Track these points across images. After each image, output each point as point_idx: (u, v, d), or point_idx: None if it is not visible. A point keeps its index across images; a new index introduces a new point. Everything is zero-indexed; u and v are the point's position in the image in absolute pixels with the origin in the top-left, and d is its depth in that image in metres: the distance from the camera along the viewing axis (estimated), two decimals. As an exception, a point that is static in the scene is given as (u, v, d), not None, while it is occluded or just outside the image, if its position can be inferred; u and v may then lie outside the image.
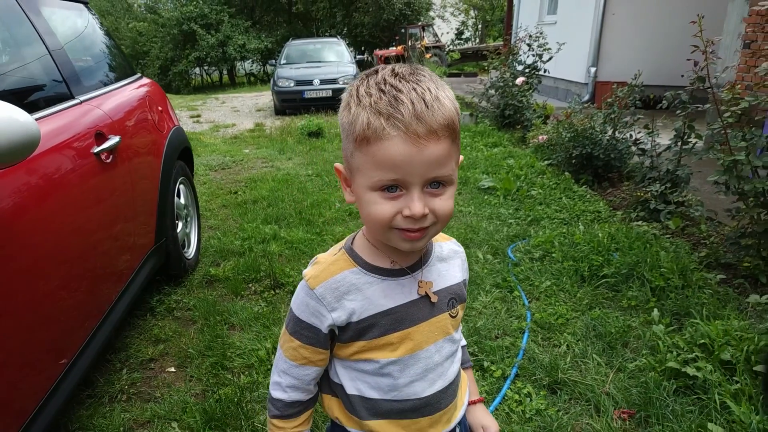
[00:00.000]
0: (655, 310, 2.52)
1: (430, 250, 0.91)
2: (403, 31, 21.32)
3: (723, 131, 3.00)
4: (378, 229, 0.78)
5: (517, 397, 2.01)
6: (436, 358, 0.88)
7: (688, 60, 3.35)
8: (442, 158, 0.73)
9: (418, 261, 0.87)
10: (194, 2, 22.16)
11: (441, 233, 0.90)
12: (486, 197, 4.48)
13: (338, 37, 14.43)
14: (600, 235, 3.30)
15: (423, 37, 20.38)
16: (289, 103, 10.62)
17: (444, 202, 0.76)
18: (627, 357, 2.23)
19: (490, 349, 2.30)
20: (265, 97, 14.05)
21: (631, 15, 8.68)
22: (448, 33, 27.81)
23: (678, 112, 3.70)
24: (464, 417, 0.98)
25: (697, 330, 2.23)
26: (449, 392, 0.91)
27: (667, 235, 3.40)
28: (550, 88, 10.83)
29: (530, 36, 7.53)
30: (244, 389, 2.09)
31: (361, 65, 15.03)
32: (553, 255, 3.21)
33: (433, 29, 22.79)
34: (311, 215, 4.14)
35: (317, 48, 12.69)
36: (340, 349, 0.87)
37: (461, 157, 0.81)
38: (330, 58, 12.03)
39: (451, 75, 16.65)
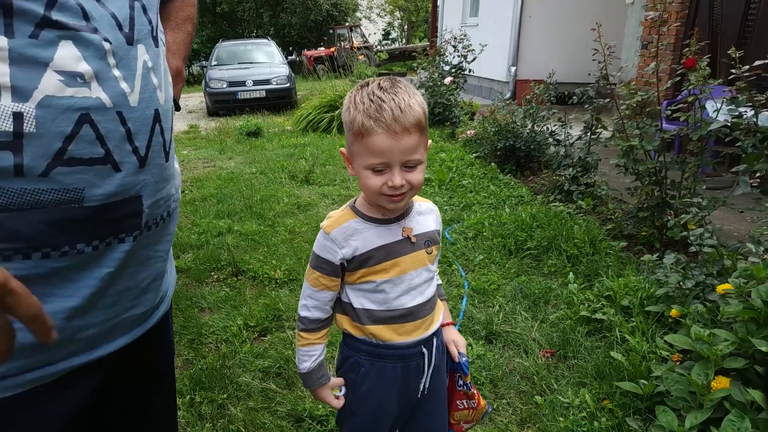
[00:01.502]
0: (571, 273, 2.98)
1: (412, 206, 1.24)
2: (331, 31, 21.56)
3: (621, 121, 3.53)
4: (371, 194, 1.12)
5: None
6: (416, 280, 1.20)
7: (593, 60, 3.87)
8: (414, 147, 1.06)
9: (402, 214, 1.20)
10: (113, 2, 21.38)
11: (420, 197, 1.27)
12: (423, 188, 4.87)
13: (268, 38, 14.50)
14: (523, 215, 3.76)
15: (351, 37, 20.71)
16: (223, 104, 10.66)
17: (416, 175, 1.10)
18: (549, 311, 2.67)
19: (435, 313, 2.67)
20: (194, 99, 13.91)
21: (546, 18, 9.39)
22: (375, 33, 28.28)
23: (586, 106, 4.24)
24: (440, 332, 1.31)
25: (603, 285, 2.71)
26: (426, 306, 1.22)
27: (581, 214, 3.91)
28: (475, 87, 11.46)
29: (455, 38, 8.02)
30: (225, 357, 2.35)
31: (293, 66, 15.15)
32: (484, 234, 3.64)
33: (360, 30, 23.16)
34: (262, 209, 4.38)
35: (248, 49, 12.74)
36: (349, 276, 1.19)
37: (429, 142, 1.14)
38: (261, 59, 12.13)
39: (380, 75, 17.05)
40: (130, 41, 0.72)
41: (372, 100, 1.04)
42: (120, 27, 0.71)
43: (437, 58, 8.30)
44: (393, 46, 26.40)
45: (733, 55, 2.51)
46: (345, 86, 8.69)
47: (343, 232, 1.16)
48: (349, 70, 11.37)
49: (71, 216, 0.67)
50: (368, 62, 19.41)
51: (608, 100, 3.70)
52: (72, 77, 0.65)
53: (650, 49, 6.72)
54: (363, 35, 22.81)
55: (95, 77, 0.67)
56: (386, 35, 29.74)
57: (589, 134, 4.34)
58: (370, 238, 1.16)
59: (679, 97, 5.19)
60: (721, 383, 1.33)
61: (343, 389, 1.21)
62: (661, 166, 3.34)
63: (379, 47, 25.12)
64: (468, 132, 6.13)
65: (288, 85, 10.81)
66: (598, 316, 2.47)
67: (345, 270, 1.18)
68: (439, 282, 1.35)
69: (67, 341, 0.72)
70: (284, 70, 11.20)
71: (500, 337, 2.47)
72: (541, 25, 9.44)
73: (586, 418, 1.89)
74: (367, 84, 1.09)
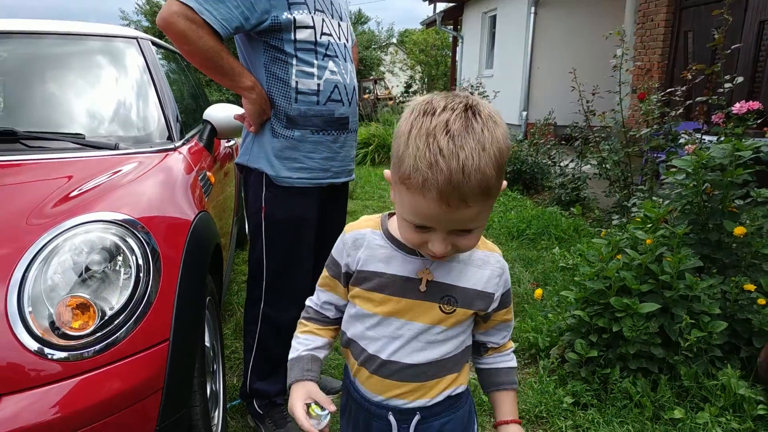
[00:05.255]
0: (557, 247, 4.07)
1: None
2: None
3: (596, 142, 4.69)
4: (408, 241, 0.91)
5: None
6: (406, 333, 0.96)
7: (579, 100, 5.05)
8: (470, 220, 0.81)
9: None
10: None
11: (489, 242, 1.03)
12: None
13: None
14: (524, 214, 4.88)
15: (375, 89, 22.44)
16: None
17: (468, 241, 0.86)
18: (537, 267, 3.75)
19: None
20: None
21: (552, 69, 10.67)
22: (397, 86, 30.09)
23: (575, 134, 5.41)
24: (451, 418, 1.03)
25: (577, 248, 3.79)
26: (414, 372, 0.97)
27: (572, 218, 5.00)
28: (490, 130, 12.72)
29: (471, 86, 9.34)
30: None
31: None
32: (494, 227, 4.75)
33: (384, 82, 24.96)
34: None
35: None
36: (350, 291, 1.02)
37: (504, 183, 0.85)
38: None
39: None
40: (346, 60, 1.90)
41: (429, 148, 0.76)
42: (343, 54, 1.89)
43: (456, 103, 9.60)
44: (415, 98, 28.13)
45: (654, 85, 3.68)
46: (377, 128, 10.01)
47: (356, 238, 1.00)
48: (375, 119, 12.79)
49: (330, 120, 1.83)
50: (392, 111, 21.10)
51: (584, 124, 4.86)
52: (332, 72, 1.83)
53: (638, 93, 7.93)
54: (387, 87, 24.57)
55: (338, 72, 1.85)
56: (408, 87, 31.62)
57: (579, 157, 5.50)
58: (377, 258, 0.97)
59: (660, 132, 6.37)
60: (618, 255, 2.42)
61: (327, 417, 0.96)
62: (627, 173, 4.47)
63: (400, 98, 26.89)
64: (483, 161, 7.30)
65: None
66: (571, 263, 3.55)
67: (350, 281, 1.02)
68: (510, 365, 1.10)
69: (326, 170, 1.87)
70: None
71: (502, 278, 3.56)
72: (548, 75, 10.72)
73: (555, 307, 2.96)
74: (434, 112, 0.79)
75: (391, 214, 1.02)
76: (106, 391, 1.24)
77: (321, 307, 1.08)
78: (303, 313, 1.10)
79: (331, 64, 1.83)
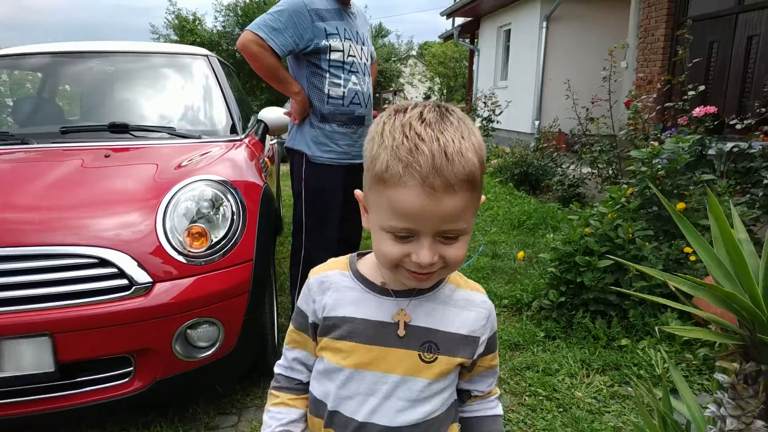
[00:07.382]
0: (552, 234, 4.67)
1: (440, 286, 0.89)
2: (377, 95, 24.21)
3: (589, 144, 5.29)
4: (386, 265, 0.81)
5: (476, 259, 4.10)
6: (383, 388, 0.85)
7: (586, 109, 5.65)
8: (458, 212, 0.73)
9: (411, 289, 0.86)
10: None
11: (472, 281, 0.94)
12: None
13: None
14: (526, 207, 5.49)
15: (395, 101, 23.21)
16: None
17: (456, 251, 0.77)
18: (534, 248, 4.36)
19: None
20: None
21: (563, 80, 11.25)
22: (416, 97, 30.88)
23: (576, 139, 6.02)
24: None
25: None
26: None
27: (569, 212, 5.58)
28: (504, 139, 13.31)
29: (485, 96, 10.00)
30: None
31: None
32: (498, 218, 5.37)
33: (404, 94, 25.74)
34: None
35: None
36: (319, 343, 0.90)
37: (483, 198, 0.80)
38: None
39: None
40: (365, 75, 2.57)
41: (407, 135, 0.72)
42: (363, 71, 2.56)
43: (471, 113, 10.27)
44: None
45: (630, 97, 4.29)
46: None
47: (322, 281, 0.90)
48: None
49: (352, 117, 2.50)
50: (411, 121, 21.86)
51: (580, 129, 5.47)
52: (354, 83, 2.50)
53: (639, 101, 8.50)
54: (406, 98, 25.33)
55: (359, 84, 2.51)
56: (427, 99, 32.39)
57: (579, 159, 6.10)
58: (346, 301, 0.87)
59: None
60: (587, 228, 3.04)
61: None
62: (616, 171, 5.06)
63: (420, 109, 27.65)
64: (493, 162, 7.93)
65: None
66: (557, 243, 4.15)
67: (317, 332, 0.90)
68: (496, 413, 0.99)
69: (347, 153, 2.53)
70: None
71: (501, 256, 4.19)
72: (559, 85, 11.25)
73: (539, 275, 3.56)
74: (405, 110, 0.76)
75: (360, 255, 0.93)
76: (215, 286, 1.91)
77: (291, 369, 0.96)
78: (273, 383, 0.98)
79: (353, 78, 2.51)
